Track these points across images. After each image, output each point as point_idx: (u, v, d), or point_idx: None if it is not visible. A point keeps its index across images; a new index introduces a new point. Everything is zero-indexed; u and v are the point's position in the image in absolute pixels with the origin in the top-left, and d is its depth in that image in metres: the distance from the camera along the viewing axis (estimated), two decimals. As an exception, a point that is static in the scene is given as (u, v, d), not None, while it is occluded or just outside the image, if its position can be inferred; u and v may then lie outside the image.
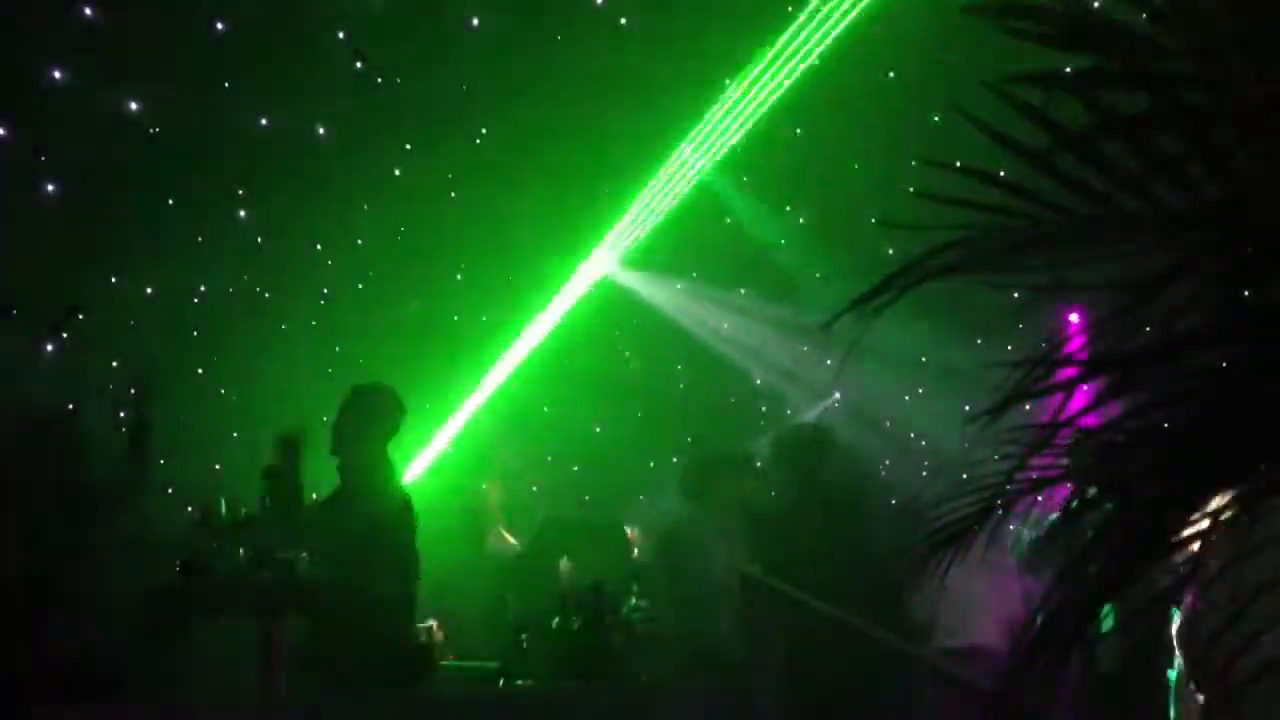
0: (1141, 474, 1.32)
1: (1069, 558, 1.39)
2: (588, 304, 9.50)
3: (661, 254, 9.26)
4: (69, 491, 4.42)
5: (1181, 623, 3.98)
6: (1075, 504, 1.41)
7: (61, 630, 4.08)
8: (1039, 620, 1.36)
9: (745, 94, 8.25)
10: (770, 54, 8.00)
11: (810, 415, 8.97)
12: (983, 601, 4.97)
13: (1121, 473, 1.34)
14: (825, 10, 7.65)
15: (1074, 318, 8.23)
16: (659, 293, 9.46)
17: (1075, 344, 1.56)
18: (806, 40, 7.85)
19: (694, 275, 9.52)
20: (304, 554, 4.43)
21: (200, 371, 8.63)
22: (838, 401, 8.56)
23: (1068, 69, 1.27)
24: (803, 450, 5.40)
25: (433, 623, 5.00)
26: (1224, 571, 1.44)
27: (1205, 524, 1.28)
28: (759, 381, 9.75)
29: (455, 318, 9.42)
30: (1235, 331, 1.28)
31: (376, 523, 4.44)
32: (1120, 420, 1.33)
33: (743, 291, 9.40)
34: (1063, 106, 1.29)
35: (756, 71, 8.12)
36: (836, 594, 4.40)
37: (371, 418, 4.73)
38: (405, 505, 4.68)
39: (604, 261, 9.32)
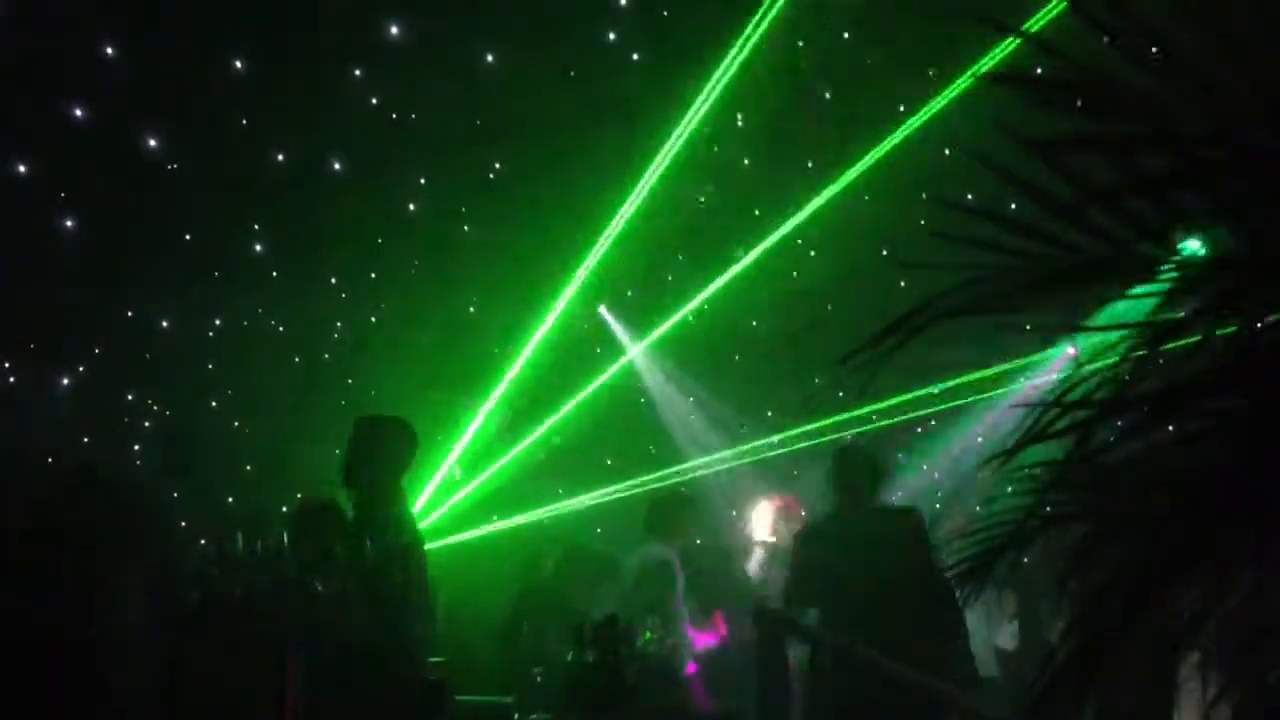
0: (1157, 512, 1.35)
1: (1086, 594, 1.41)
2: (599, 337, 9.53)
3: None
4: (87, 526, 4.43)
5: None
6: (1091, 541, 1.43)
7: (81, 663, 4.09)
8: (1059, 656, 1.37)
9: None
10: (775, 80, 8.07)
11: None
12: None
13: (1138, 511, 1.37)
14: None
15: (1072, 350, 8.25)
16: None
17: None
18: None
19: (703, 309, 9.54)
20: (320, 587, 4.43)
21: (214, 404, 8.68)
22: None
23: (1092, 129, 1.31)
24: None
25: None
26: (1238, 608, 1.45)
27: (1221, 561, 1.30)
28: (769, 414, 9.74)
29: (469, 350, 9.45)
30: (1248, 375, 1.32)
31: (392, 557, 4.42)
32: (1137, 459, 1.35)
33: (755, 323, 9.40)
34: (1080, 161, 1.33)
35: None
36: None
37: (382, 449, 4.68)
38: (417, 539, 4.64)
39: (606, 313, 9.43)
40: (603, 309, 9.40)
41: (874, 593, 4.26)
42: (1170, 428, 1.38)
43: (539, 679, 5.81)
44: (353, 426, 4.80)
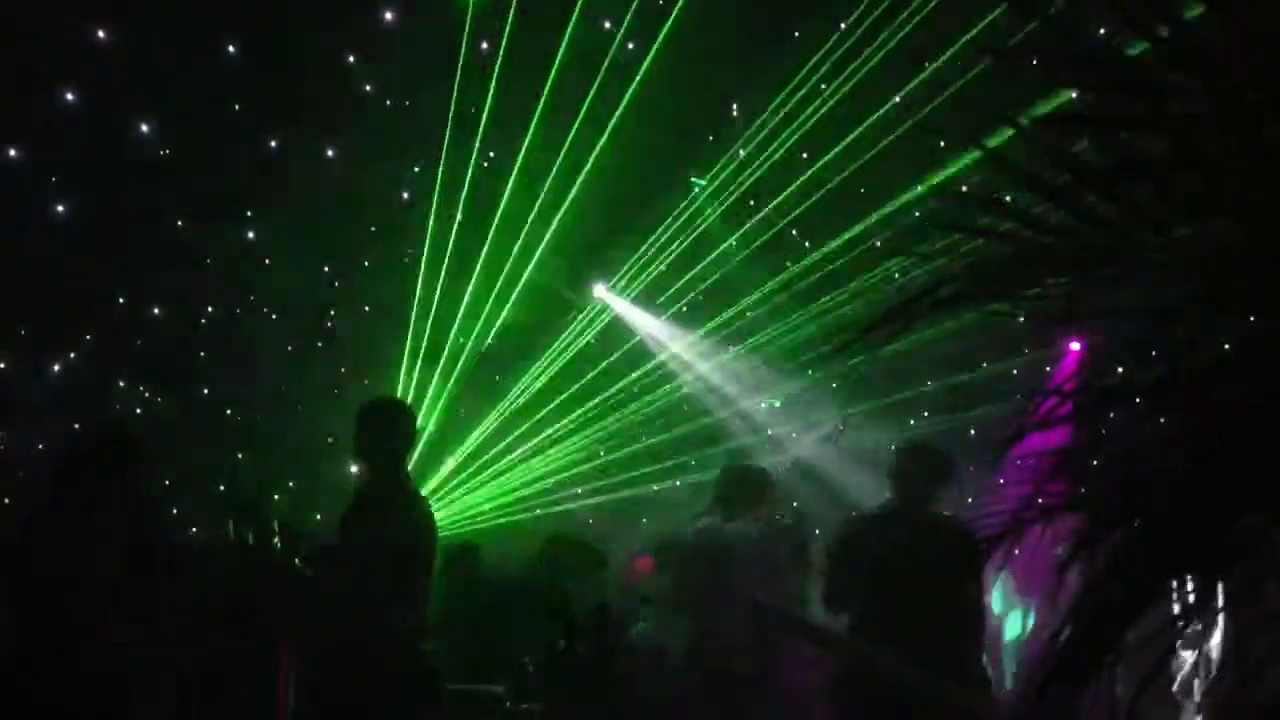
0: (1159, 502, 1.34)
1: (1084, 586, 1.40)
2: (595, 330, 9.52)
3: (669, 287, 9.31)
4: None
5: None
6: (1091, 532, 1.42)
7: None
8: (1055, 650, 1.36)
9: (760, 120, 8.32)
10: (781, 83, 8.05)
11: (812, 440, 8.93)
12: None
13: (1139, 501, 1.36)
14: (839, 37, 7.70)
15: (1075, 346, 8.26)
16: (663, 329, 9.51)
17: (1078, 374, 1.57)
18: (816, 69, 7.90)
19: (699, 301, 9.51)
20: (311, 572, 4.40)
21: (206, 391, 8.65)
22: (842, 427, 8.48)
23: (1083, 109, 1.29)
24: None
25: None
26: (1237, 602, 1.44)
27: (1223, 553, 1.29)
28: (764, 406, 9.74)
29: (461, 340, 9.44)
30: (1251, 362, 1.31)
31: (386, 539, 4.37)
32: (1138, 449, 1.34)
33: (751, 315, 9.39)
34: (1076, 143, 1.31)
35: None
36: None
37: (381, 431, 4.63)
38: (421, 522, 4.56)
39: (607, 294, 9.39)
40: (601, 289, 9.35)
41: (913, 608, 4.04)
42: (1174, 417, 1.37)
43: (530, 669, 5.79)
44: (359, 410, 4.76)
